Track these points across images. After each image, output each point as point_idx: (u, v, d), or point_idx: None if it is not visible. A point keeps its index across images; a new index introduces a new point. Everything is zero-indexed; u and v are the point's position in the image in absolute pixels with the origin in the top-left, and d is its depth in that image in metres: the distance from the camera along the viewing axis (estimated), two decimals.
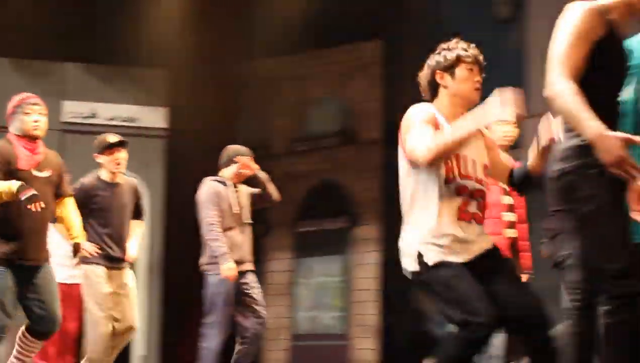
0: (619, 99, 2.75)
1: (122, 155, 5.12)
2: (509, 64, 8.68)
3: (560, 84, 2.51)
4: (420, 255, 2.94)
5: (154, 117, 9.49)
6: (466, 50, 3.03)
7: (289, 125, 10.26)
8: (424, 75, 3.10)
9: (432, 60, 3.09)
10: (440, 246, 2.94)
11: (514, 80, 8.07)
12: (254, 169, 5.20)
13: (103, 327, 4.86)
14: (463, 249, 2.96)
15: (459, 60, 3.01)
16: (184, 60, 9.24)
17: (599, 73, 2.63)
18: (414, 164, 2.94)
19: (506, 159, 3.47)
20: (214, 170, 5.30)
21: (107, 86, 9.54)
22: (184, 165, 8.59)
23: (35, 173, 4.33)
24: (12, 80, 9.09)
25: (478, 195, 3.07)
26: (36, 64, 9.56)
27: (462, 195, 3.01)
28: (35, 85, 9.00)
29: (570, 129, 2.58)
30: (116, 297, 4.95)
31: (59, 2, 9.19)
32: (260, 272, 6.12)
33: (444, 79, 3.02)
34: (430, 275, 2.95)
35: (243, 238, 5.19)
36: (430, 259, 2.90)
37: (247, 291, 5.10)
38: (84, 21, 9.32)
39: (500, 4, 9.54)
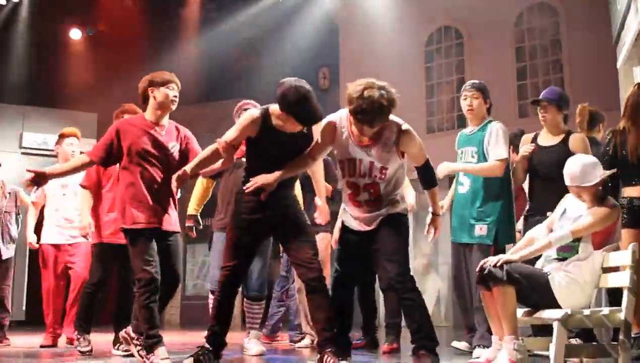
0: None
1: None
2: None
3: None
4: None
5: (88, 147, 12.46)
6: None
7: None
8: None
9: None
10: (345, 218, 4.29)
11: None
12: None
13: None
14: (357, 223, 4.17)
15: None
16: (107, 104, 12.12)
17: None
18: None
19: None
20: None
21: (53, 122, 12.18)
22: None
23: None
24: None
25: (368, 188, 4.09)
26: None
27: (351, 189, 4.14)
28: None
29: None
30: None
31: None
32: None
33: None
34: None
35: None
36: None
37: None
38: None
39: (321, 78, 14.07)
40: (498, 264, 3.88)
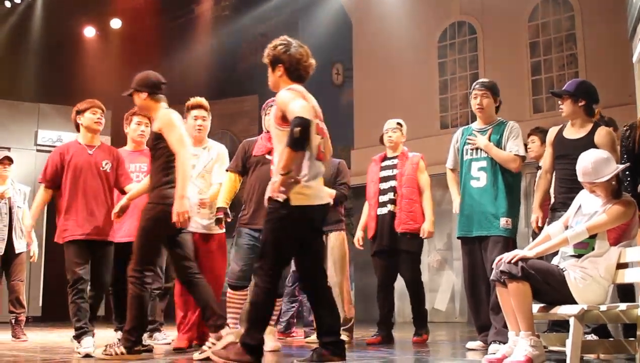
0: None
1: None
2: (344, 114, 13.06)
3: None
4: None
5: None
6: None
7: None
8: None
9: None
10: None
11: (346, 125, 12.55)
12: None
13: None
14: None
15: None
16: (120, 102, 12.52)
17: None
18: None
19: None
20: None
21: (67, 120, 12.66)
22: None
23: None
24: None
25: None
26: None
27: None
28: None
29: None
30: None
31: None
32: None
33: None
34: None
35: None
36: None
37: None
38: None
39: (335, 74, 14.11)
40: (513, 260, 3.87)
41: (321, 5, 13.83)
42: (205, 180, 5.54)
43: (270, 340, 5.20)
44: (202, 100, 5.65)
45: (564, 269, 3.94)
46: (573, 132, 4.92)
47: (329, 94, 13.73)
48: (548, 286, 3.88)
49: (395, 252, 6.22)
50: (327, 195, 4.17)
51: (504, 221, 5.01)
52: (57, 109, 12.87)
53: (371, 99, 12.94)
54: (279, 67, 4.08)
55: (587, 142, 4.71)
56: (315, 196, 3.97)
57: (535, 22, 11.69)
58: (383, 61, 12.78)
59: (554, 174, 5.05)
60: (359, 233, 6.50)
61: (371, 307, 12.57)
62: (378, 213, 6.28)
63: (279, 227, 3.90)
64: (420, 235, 6.17)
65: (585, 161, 4.07)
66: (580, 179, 4.09)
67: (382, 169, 6.39)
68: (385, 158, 6.48)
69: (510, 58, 11.65)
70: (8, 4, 12.91)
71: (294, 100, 3.89)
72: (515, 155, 5.10)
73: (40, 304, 12.40)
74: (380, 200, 6.30)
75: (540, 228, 4.93)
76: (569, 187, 4.69)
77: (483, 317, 5.14)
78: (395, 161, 6.34)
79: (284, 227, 3.90)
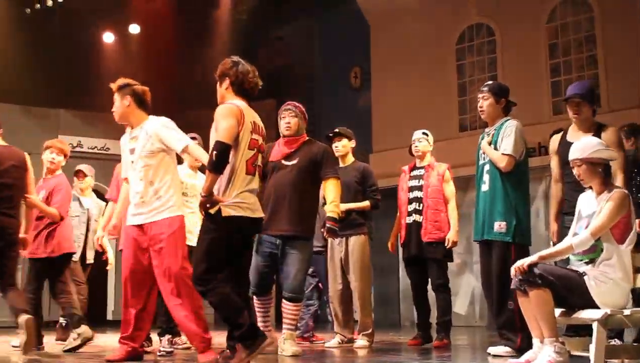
0: None
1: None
2: (362, 117, 13.03)
3: None
4: None
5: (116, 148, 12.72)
6: None
7: None
8: None
9: None
10: None
11: (365, 129, 12.53)
12: None
13: None
14: None
15: None
16: None
17: None
18: None
19: None
20: None
21: (87, 125, 12.89)
22: None
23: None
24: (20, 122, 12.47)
25: None
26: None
27: None
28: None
29: None
30: None
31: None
32: None
33: None
34: None
35: None
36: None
37: None
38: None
39: (353, 78, 14.11)
40: (524, 267, 3.86)
41: (339, 8, 13.85)
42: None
43: (291, 345, 5.19)
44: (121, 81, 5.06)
45: (583, 273, 3.91)
46: (577, 135, 4.84)
47: (347, 98, 13.89)
48: (568, 291, 3.86)
49: (423, 260, 6.41)
50: (259, 210, 4.26)
51: (497, 225, 4.96)
52: (77, 115, 13.09)
53: (389, 102, 12.93)
54: (225, 80, 4.25)
55: None
56: (246, 208, 4.11)
57: (554, 24, 11.61)
58: (401, 64, 12.75)
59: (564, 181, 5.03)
60: (392, 239, 6.77)
61: (390, 311, 12.63)
62: (407, 221, 6.46)
63: (210, 237, 4.08)
64: (445, 245, 6.29)
65: (576, 143, 4.18)
66: (570, 157, 4.12)
67: (411, 178, 6.57)
68: (414, 167, 6.64)
69: (529, 60, 11.58)
70: (28, 11, 13.01)
71: (224, 120, 4.04)
72: (502, 154, 4.97)
73: None
74: (408, 209, 6.47)
75: (555, 242, 4.89)
76: (575, 190, 4.64)
77: (500, 318, 5.07)
78: (422, 171, 6.51)
79: (215, 237, 4.07)
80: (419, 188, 6.44)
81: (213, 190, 4.01)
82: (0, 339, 7.47)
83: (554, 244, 4.86)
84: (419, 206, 6.39)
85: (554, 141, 5.06)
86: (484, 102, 5.24)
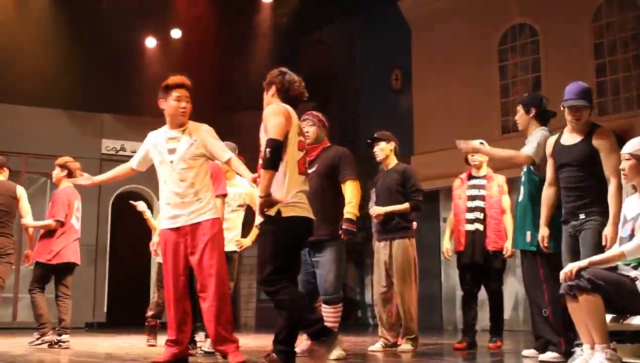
0: None
1: None
2: (403, 119, 12.98)
3: None
4: None
5: None
6: None
7: None
8: None
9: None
10: None
11: (406, 131, 12.44)
12: None
13: None
14: None
15: None
16: None
17: None
18: None
19: None
20: None
21: (130, 129, 12.98)
22: None
23: None
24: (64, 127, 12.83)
25: None
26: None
27: None
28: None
29: None
30: None
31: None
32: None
33: None
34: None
35: None
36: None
37: None
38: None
39: (394, 80, 14.08)
40: (574, 273, 3.82)
41: (379, 10, 13.80)
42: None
43: (336, 348, 5.16)
44: (185, 79, 4.97)
45: (635, 278, 3.82)
46: (572, 138, 4.73)
47: (388, 100, 13.81)
48: (619, 296, 3.80)
49: (484, 268, 6.67)
50: (312, 211, 4.21)
51: (527, 235, 5.00)
52: (120, 119, 13.25)
53: (431, 104, 12.82)
54: (272, 87, 4.31)
55: (586, 145, 4.60)
56: (303, 208, 4.10)
57: (599, 22, 11.39)
58: (442, 65, 12.65)
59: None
60: (447, 245, 6.93)
61: (432, 314, 12.53)
62: (466, 229, 6.68)
63: (273, 239, 4.02)
64: (504, 254, 6.63)
65: (635, 139, 4.17)
66: (626, 150, 4.10)
67: (470, 187, 6.79)
68: (470, 176, 6.86)
69: (573, 60, 11.35)
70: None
71: (274, 117, 4.06)
72: (521, 151, 5.04)
73: (105, 310, 12.68)
74: (467, 217, 6.71)
75: (547, 248, 4.78)
76: (577, 195, 4.55)
77: (538, 326, 5.07)
78: (483, 182, 6.78)
79: (279, 238, 4.02)
80: (481, 197, 6.72)
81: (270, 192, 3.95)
82: (0, 340, 7.78)
83: (545, 249, 4.77)
84: (481, 215, 6.66)
85: (550, 143, 4.91)
86: (517, 115, 5.33)
